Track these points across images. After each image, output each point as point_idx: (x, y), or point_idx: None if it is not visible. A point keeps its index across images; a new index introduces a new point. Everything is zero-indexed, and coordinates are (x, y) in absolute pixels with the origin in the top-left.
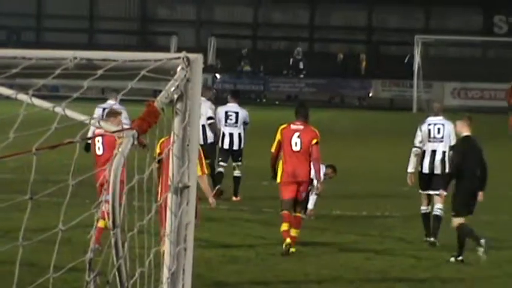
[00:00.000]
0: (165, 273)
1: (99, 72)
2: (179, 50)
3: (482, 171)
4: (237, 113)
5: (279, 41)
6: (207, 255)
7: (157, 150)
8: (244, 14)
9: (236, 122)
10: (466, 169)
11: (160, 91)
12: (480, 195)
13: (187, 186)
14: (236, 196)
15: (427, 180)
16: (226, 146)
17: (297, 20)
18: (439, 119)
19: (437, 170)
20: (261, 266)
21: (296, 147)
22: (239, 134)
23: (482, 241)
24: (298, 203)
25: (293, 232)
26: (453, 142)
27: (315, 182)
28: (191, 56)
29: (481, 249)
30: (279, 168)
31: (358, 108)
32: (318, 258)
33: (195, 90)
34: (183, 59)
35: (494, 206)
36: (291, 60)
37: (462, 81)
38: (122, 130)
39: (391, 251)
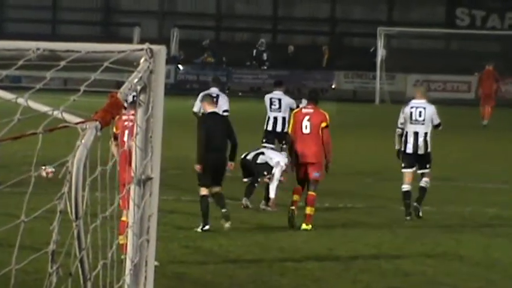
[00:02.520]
0: (128, 265)
1: (62, 63)
2: (142, 41)
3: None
4: (279, 100)
5: (242, 32)
6: (170, 246)
7: (114, 130)
8: (207, 5)
9: (279, 107)
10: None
11: (123, 82)
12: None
13: (150, 178)
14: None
15: (411, 160)
16: (270, 128)
17: (260, 11)
18: (421, 102)
19: (421, 150)
20: (224, 257)
21: (306, 130)
22: (283, 118)
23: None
24: (311, 183)
25: (308, 210)
26: (436, 122)
27: (275, 170)
28: (154, 47)
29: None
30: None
31: (321, 99)
32: (281, 249)
33: (159, 82)
34: (146, 50)
35: (462, 197)
36: (255, 51)
37: (425, 73)
38: (85, 122)
39: (354, 243)
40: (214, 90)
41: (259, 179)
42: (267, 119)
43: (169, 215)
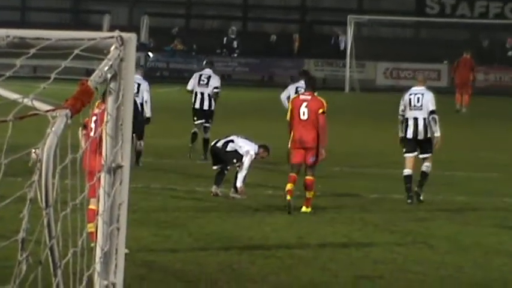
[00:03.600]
0: (98, 253)
1: (32, 50)
2: (112, 28)
3: None
4: (209, 77)
5: (212, 19)
6: (139, 234)
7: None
8: None
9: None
10: None
11: (93, 70)
12: None
13: (121, 166)
14: None
15: (412, 145)
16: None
17: None
18: (420, 89)
19: (421, 136)
20: (193, 245)
21: (304, 116)
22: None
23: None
24: (308, 168)
25: (308, 194)
26: (431, 108)
27: (245, 159)
28: (125, 35)
29: None
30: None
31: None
32: (250, 239)
33: (129, 70)
34: (116, 38)
35: (432, 185)
36: (225, 39)
37: (394, 61)
38: (55, 109)
39: (323, 231)
40: (207, 71)
41: (228, 167)
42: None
43: (139, 203)
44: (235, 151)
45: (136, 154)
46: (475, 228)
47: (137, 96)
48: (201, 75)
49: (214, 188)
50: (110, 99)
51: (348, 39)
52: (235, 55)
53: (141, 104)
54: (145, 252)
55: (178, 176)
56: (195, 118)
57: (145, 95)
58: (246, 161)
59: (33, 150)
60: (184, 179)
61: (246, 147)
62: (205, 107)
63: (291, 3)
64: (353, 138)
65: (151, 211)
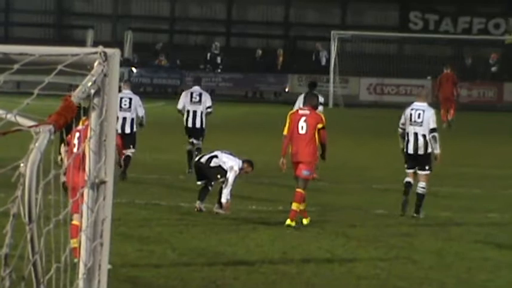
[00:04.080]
0: (81, 269)
1: (16, 66)
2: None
3: None
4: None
5: (196, 35)
6: (123, 250)
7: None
8: (161, 7)
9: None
10: None
11: (77, 86)
12: None
13: (104, 182)
14: None
15: (412, 160)
16: None
17: (214, 15)
18: (421, 105)
19: (421, 151)
20: (177, 261)
21: (302, 131)
22: None
23: None
24: (300, 180)
25: (294, 206)
26: (431, 126)
27: (229, 174)
28: (108, 50)
29: None
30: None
31: (274, 103)
32: (234, 254)
33: (112, 85)
34: (100, 53)
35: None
36: (208, 54)
37: (378, 77)
38: (38, 125)
39: (307, 246)
40: (196, 89)
41: (213, 183)
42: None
43: (122, 218)
44: (220, 166)
45: (125, 162)
46: (459, 244)
47: (129, 111)
48: (192, 94)
49: (198, 204)
50: (93, 115)
51: (331, 55)
52: (219, 70)
53: (132, 119)
54: (128, 268)
55: (162, 191)
56: (188, 136)
57: (139, 110)
58: (231, 176)
59: (22, 165)
60: (168, 194)
61: (230, 163)
62: (198, 125)
63: (275, 18)
64: (337, 153)
65: (135, 226)
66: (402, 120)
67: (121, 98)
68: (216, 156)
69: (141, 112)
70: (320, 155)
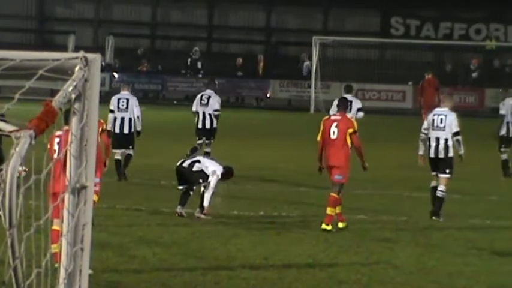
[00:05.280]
0: (62, 274)
1: None
2: (77, 48)
3: None
4: (350, 102)
5: (177, 40)
6: (104, 255)
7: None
8: (142, 13)
9: (350, 110)
10: None
11: (57, 91)
12: None
13: (85, 187)
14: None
15: (433, 164)
16: None
17: (195, 20)
18: (443, 110)
19: (441, 155)
20: (158, 266)
21: (333, 136)
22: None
23: None
24: (333, 185)
25: (328, 210)
26: (454, 130)
27: (211, 179)
28: (89, 55)
29: None
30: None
31: (256, 108)
32: (216, 259)
33: (93, 90)
34: (81, 59)
35: (397, 206)
36: (189, 60)
37: (359, 82)
38: (19, 130)
39: (288, 252)
40: (208, 92)
41: (194, 187)
42: None
43: (104, 223)
44: (202, 171)
45: (125, 161)
46: (440, 249)
47: (126, 112)
48: (202, 96)
49: (179, 209)
50: (74, 120)
51: (312, 60)
52: (200, 76)
53: (130, 119)
54: (109, 273)
55: (144, 196)
56: (197, 138)
57: (136, 110)
58: (213, 181)
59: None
60: (150, 199)
61: (213, 167)
62: (207, 125)
63: (256, 24)
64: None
65: (116, 231)
66: (425, 126)
67: (119, 99)
68: (198, 161)
69: (138, 112)
70: (361, 165)
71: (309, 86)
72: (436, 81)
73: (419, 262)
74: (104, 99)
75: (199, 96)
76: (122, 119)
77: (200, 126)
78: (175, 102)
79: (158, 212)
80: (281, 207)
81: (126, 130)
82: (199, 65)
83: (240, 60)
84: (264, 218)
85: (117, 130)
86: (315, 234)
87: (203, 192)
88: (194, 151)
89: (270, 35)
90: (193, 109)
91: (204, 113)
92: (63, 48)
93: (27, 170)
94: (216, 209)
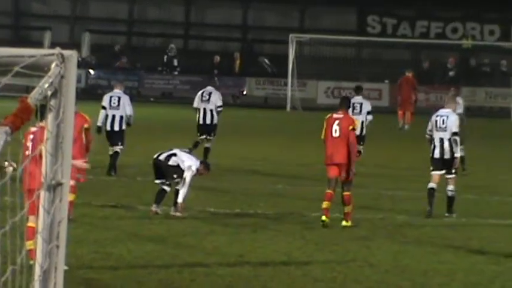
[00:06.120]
0: (37, 271)
1: None
2: (53, 45)
3: None
4: (361, 104)
5: (154, 37)
6: (79, 251)
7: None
8: (119, 9)
9: (360, 111)
10: None
11: (33, 87)
12: None
13: (61, 184)
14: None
15: (438, 164)
16: (357, 132)
17: (172, 17)
18: (446, 111)
19: (447, 155)
20: (134, 263)
21: (336, 134)
22: (362, 122)
23: None
24: (344, 184)
25: (346, 209)
26: (454, 130)
27: (186, 174)
28: (66, 52)
29: None
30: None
31: (232, 106)
32: (192, 256)
33: (70, 87)
34: (57, 55)
35: (372, 204)
36: (165, 57)
37: (336, 80)
38: None
39: (264, 249)
40: (209, 88)
41: (168, 182)
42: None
43: (79, 220)
44: (178, 166)
45: (113, 158)
46: (415, 248)
47: (118, 109)
48: (203, 92)
49: (154, 207)
50: (50, 117)
51: (289, 58)
52: (176, 73)
53: (121, 117)
54: (85, 270)
55: (120, 193)
56: (199, 134)
57: (127, 109)
58: (188, 176)
59: (6, 163)
60: (126, 196)
61: (189, 162)
62: (208, 121)
63: (233, 21)
64: (294, 156)
65: (91, 228)
66: (429, 127)
67: (111, 97)
68: (175, 154)
69: (130, 111)
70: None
71: (285, 84)
72: (414, 80)
73: (395, 260)
74: (80, 96)
75: (200, 92)
76: (113, 116)
77: (201, 122)
78: (151, 99)
79: (134, 209)
80: (257, 205)
81: (116, 127)
82: (175, 62)
83: (217, 58)
84: (240, 215)
85: (108, 127)
86: (291, 231)
87: (176, 190)
88: (196, 145)
89: (247, 33)
90: (195, 105)
91: (205, 109)
92: (39, 44)
93: (15, 166)
94: (191, 206)
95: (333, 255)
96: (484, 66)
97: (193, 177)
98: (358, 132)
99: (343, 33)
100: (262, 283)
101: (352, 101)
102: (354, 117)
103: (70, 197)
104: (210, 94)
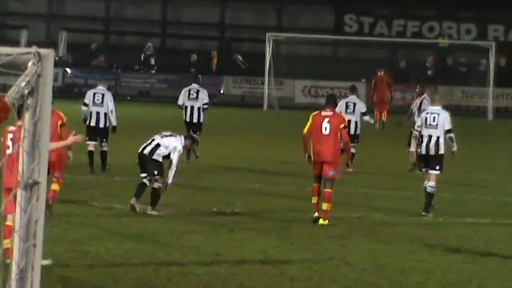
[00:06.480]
0: (14, 270)
1: None
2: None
3: None
4: (354, 104)
5: (130, 36)
6: (56, 250)
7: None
8: (96, 8)
9: (353, 111)
10: None
11: (10, 86)
12: None
13: (38, 182)
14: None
15: (424, 160)
16: (352, 132)
17: (149, 15)
18: (436, 109)
19: (432, 152)
20: (110, 262)
21: (326, 132)
22: (355, 122)
23: None
24: (327, 180)
25: (324, 206)
26: (447, 127)
27: (173, 156)
28: (42, 51)
29: None
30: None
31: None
32: (169, 255)
33: (46, 86)
34: (34, 54)
35: (349, 202)
36: (143, 56)
37: (313, 79)
38: None
39: (241, 248)
40: (194, 86)
41: (149, 177)
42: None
43: (56, 218)
44: (160, 163)
45: (102, 157)
46: (392, 246)
47: (102, 106)
48: (189, 90)
49: (133, 200)
50: (27, 115)
51: (266, 57)
52: (153, 72)
53: (106, 114)
54: (62, 268)
55: (97, 192)
56: (187, 131)
57: (110, 105)
58: (175, 157)
59: None
60: (103, 195)
61: (173, 143)
62: (195, 119)
63: (210, 20)
64: (271, 155)
65: (68, 227)
66: (418, 123)
67: (94, 94)
68: (158, 145)
69: (111, 106)
70: (346, 162)
71: (262, 83)
72: (389, 78)
73: (372, 259)
74: (57, 94)
75: (186, 90)
76: (98, 113)
77: (188, 119)
78: (128, 98)
79: (111, 208)
80: (234, 204)
81: (101, 124)
82: (152, 61)
83: (194, 56)
84: (217, 214)
85: (93, 123)
86: (268, 230)
87: (153, 189)
88: (194, 140)
89: (224, 31)
90: (180, 103)
91: (192, 107)
92: (16, 43)
93: None
94: (168, 205)
95: (309, 254)
96: (460, 66)
97: (181, 155)
98: (352, 131)
99: (320, 32)
100: (239, 282)
101: (346, 100)
102: (347, 116)
103: (54, 186)
104: (197, 92)
